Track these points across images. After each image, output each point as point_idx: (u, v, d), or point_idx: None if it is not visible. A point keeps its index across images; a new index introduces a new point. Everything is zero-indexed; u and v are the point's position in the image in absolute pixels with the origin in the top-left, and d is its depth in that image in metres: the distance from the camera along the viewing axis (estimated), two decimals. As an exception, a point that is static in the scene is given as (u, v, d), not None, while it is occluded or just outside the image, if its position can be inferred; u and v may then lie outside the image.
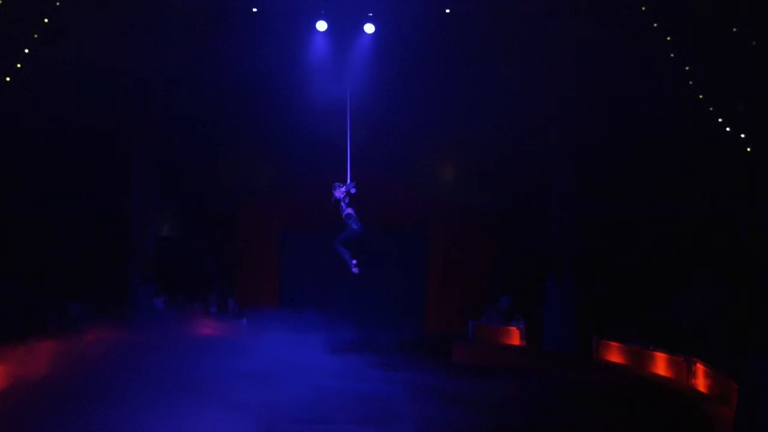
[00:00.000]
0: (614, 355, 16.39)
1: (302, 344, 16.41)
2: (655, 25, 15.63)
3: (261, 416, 12.79)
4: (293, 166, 19.97)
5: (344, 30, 17.42)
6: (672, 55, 15.60)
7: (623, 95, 16.93)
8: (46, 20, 15.07)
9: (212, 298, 20.41)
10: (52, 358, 14.92)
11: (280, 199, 20.84)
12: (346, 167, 12.37)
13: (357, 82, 12.65)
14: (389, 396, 14.05)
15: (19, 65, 15.08)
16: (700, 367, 13.45)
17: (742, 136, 14.40)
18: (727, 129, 14.62)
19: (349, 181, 12.06)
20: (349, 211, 11.81)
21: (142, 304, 18.45)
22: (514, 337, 18.69)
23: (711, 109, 15.02)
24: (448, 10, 16.94)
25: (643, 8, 15.65)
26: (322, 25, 17.36)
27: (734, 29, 14.44)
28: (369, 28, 17.38)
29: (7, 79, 14.98)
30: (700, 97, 15.29)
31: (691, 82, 15.45)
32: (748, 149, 14.29)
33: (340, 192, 11.79)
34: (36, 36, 15.10)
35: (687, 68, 15.49)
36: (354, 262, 11.89)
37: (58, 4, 15.21)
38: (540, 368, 16.91)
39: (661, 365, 14.80)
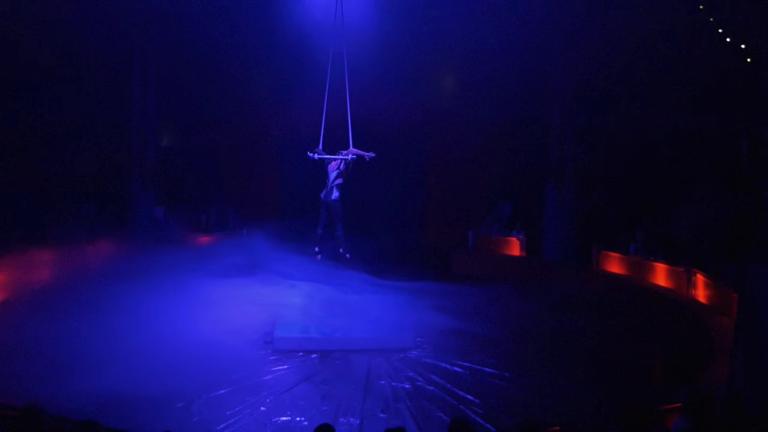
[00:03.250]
0: (614, 265, 16.41)
1: (302, 254, 16.37)
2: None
3: (264, 325, 12.92)
4: (295, 77, 19.53)
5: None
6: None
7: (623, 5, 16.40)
8: None
9: (213, 209, 20.36)
10: (53, 266, 14.97)
11: (280, 110, 20.48)
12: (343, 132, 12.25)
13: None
14: (389, 303, 14.13)
15: None
16: (699, 278, 13.50)
17: (743, 46, 14.03)
18: (728, 39, 14.24)
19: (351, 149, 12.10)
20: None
21: (142, 214, 18.55)
22: (514, 247, 18.71)
23: (711, 19, 14.59)
24: None
25: None
26: None
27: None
28: None
29: None
30: (701, 7, 14.82)
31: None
32: (748, 60, 13.93)
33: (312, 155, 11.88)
34: None
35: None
36: (316, 249, 12.39)
37: None
38: (539, 278, 16.95)
39: (661, 276, 14.84)
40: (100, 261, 15.63)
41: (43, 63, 17.31)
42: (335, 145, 12.28)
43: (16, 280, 14.06)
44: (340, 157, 11.96)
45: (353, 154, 11.93)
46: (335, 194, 12.23)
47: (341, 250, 12.57)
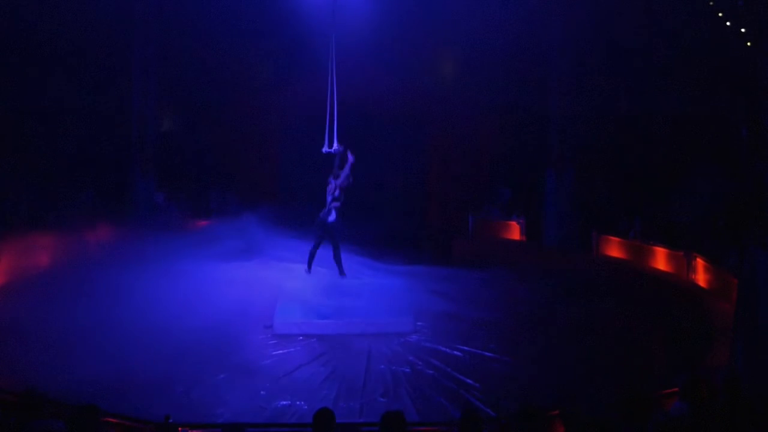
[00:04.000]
0: (614, 249, 16.40)
1: (300, 239, 16.35)
2: None
3: (263, 309, 12.88)
4: (294, 60, 19.48)
5: None
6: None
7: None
8: None
9: (212, 194, 20.31)
10: (52, 252, 14.95)
11: (280, 94, 20.39)
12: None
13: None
14: (388, 287, 14.10)
15: None
16: (700, 262, 13.49)
17: (743, 30, 13.98)
18: (728, 23, 14.19)
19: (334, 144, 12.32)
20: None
21: (142, 199, 18.57)
22: (514, 231, 18.72)
23: (711, 3, 14.54)
24: None
25: None
26: None
27: None
28: None
29: None
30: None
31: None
32: (748, 44, 13.89)
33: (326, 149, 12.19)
34: None
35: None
36: (305, 267, 13.55)
37: None
38: (538, 262, 16.92)
39: (661, 260, 14.84)
40: (99, 246, 15.59)
41: (43, 54, 17.27)
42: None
43: (14, 265, 14.05)
44: (333, 183, 12.31)
45: (343, 180, 12.28)
46: (332, 216, 12.48)
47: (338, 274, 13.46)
